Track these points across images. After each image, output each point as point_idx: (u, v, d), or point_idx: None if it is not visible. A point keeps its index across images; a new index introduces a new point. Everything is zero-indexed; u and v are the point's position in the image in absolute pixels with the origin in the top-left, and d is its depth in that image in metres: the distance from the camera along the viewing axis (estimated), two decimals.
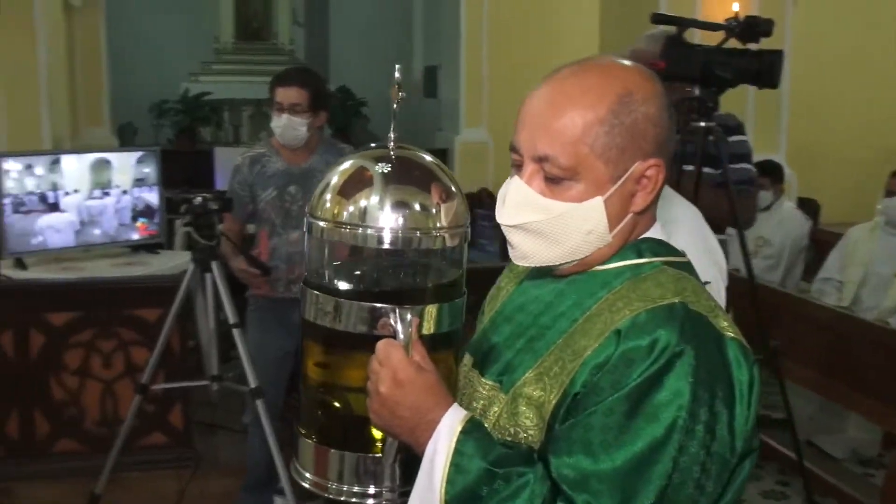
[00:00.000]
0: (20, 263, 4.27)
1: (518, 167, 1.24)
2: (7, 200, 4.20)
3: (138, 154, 4.77)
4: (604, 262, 1.25)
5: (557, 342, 1.22)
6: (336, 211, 1.23)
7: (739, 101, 5.42)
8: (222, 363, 3.50)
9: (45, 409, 3.88)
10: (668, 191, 1.97)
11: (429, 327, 1.24)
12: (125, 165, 4.64)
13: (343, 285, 1.29)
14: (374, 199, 1.22)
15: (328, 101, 3.57)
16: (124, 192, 4.62)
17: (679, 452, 1.09)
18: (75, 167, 4.46)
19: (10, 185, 4.21)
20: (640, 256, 1.25)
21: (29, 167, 4.29)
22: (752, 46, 2.75)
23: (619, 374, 1.12)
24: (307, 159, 3.46)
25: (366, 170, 1.26)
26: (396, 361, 1.20)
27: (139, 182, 4.67)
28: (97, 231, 4.55)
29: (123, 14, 10.72)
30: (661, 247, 1.27)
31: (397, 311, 1.21)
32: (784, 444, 3.83)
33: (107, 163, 4.59)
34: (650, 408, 1.09)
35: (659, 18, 2.83)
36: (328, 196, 1.25)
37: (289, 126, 3.36)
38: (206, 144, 10.41)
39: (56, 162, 4.43)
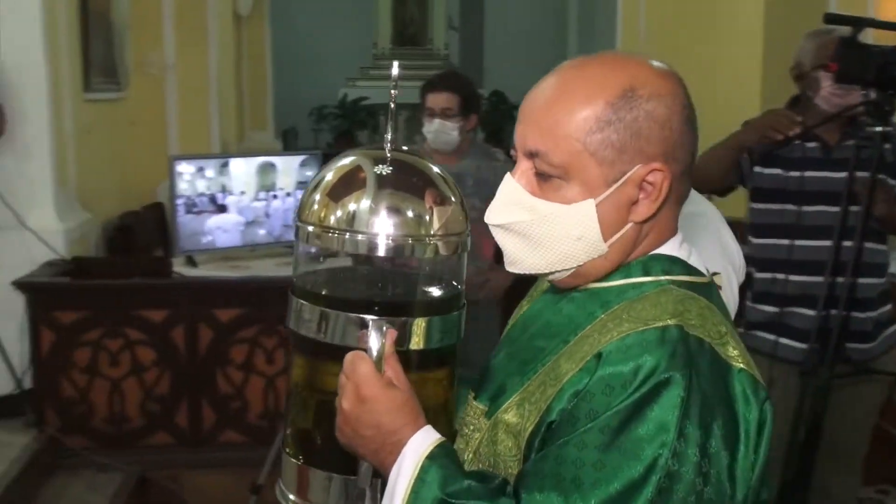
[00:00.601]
0: (191, 261, 4.46)
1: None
2: (180, 201, 4.39)
3: (301, 157, 4.90)
4: (605, 279, 1.11)
5: (547, 364, 1.08)
6: (323, 214, 1.14)
7: None
8: None
9: (211, 401, 4.04)
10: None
11: (417, 342, 1.14)
12: (289, 168, 4.77)
13: (327, 294, 1.20)
14: (365, 202, 1.12)
15: (479, 105, 3.58)
16: (288, 194, 4.75)
17: (659, 496, 0.95)
18: (243, 170, 4.62)
19: (183, 186, 4.40)
20: (646, 274, 1.10)
21: (200, 170, 4.47)
22: None
23: (596, 403, 0.98)
24: (458, 163, 3.48)
25: (360, 171, 1.16)
26: (360, 376, 1.09)
27: (301, 185, 4.79)
28: (262, 231, 4.70)
29: (287, 23, 11.10)
30: (675, 265, 1.11)
31: (370, 322, 1.12)
32: None
33: (272, 166, 4.73)
34: (629, 443, 0.96)
35: (832, 18, 2.68)
36: (317, 197, 1.16)
37: (440, 130, 3.38)
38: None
39: (225, 165, 4.60)
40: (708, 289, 1.12)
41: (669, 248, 1.12)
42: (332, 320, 1.13)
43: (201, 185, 4.47)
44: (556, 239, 1.08)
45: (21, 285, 4.01)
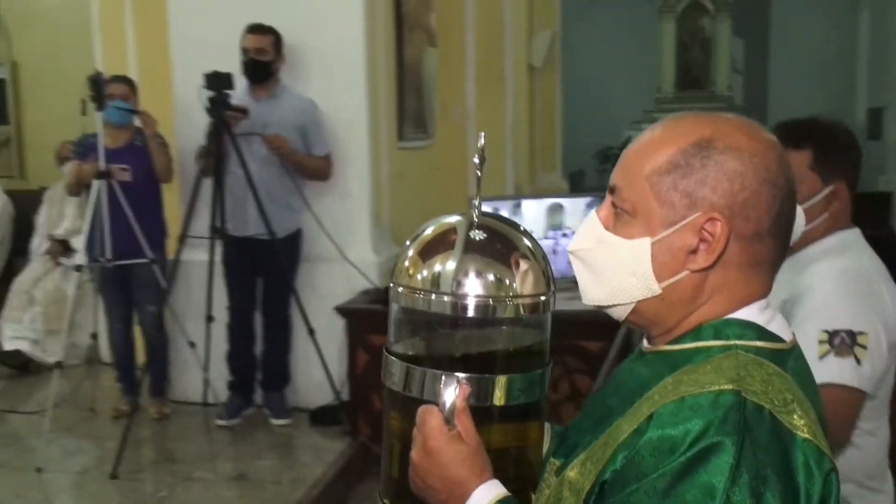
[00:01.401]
0: None
1: None
2: None
3: (587, 199, 4.95)
4: (677, 342, 1.07)
5: (613, 425, 1.05)
6: (412, 272, 1.16)
7: None
8: None
9: None
10: (852, 239, 1.88)
11: (499, 398, 1.12)
12: (576, 209, 4.83)
13: (414, 350, 1.20)
14: (451, 264, 1.13)
15: None
16: (574, 233, 4.81)
17: None
18: (534, 210, 4.73)
19: None
20: (717, 338, 1.04)
21: (496, 210, 4.64)
22: None
23: (644, 465, 0.94)
24: None
25: (453, 232, 1.16)
26: (428, 428, 1.10)
27: None
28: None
29: (576, 71, 11.26)
30: (749, 329, 1.05)
31: (443, 377, 1.12)
32: None
33: (560, 206, 4.81)
34: None
35: None
36: (409, 253, 1.18)
37: None
38: None
39: (518, 205, 4.74)
40: (783, 355, 1.05)
41: (747, 313, 1.06)
42: (417, 376, 1.15)
43: None
44: (612, 270, 1.09)
45: (342, 311, 4.34)
